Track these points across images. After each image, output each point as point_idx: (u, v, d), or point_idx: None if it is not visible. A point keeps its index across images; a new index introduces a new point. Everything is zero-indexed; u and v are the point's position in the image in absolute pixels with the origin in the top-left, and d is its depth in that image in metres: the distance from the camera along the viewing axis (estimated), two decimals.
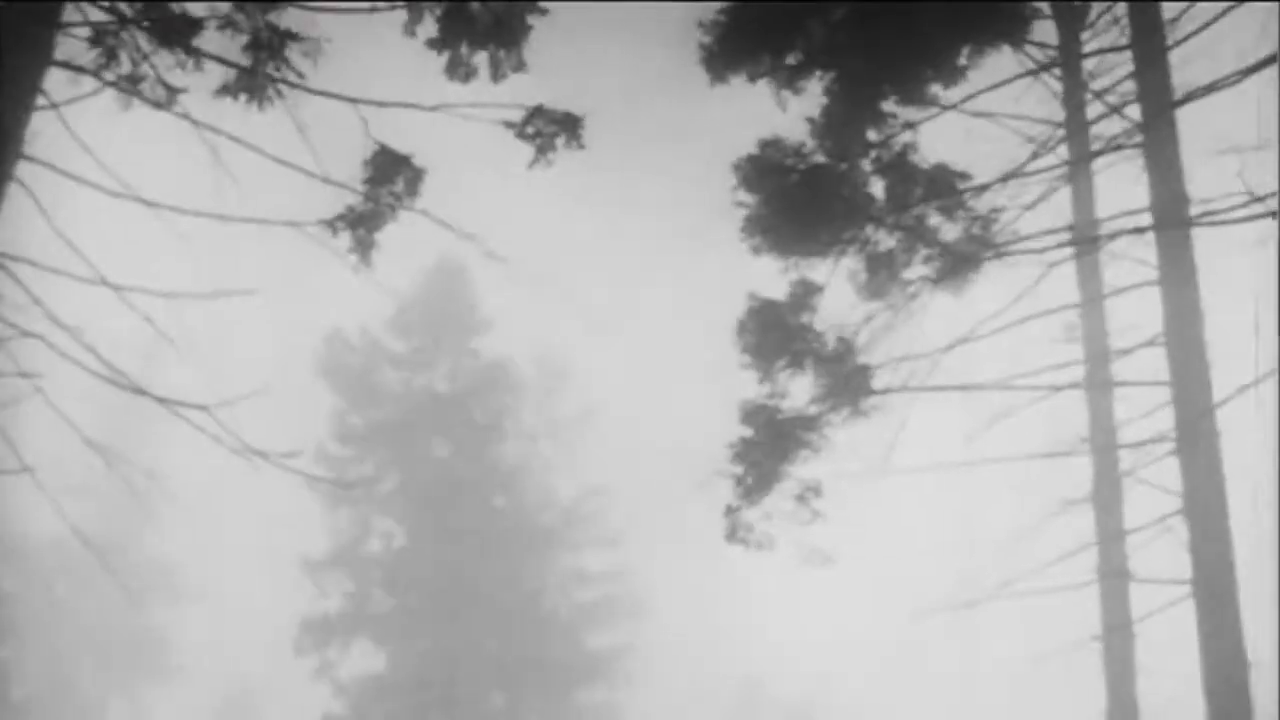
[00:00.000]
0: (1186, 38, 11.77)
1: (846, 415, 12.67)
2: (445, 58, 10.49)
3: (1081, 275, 13.14)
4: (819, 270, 13.03)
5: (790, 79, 12.97)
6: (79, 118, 8.72)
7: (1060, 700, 14.41)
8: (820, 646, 42.05)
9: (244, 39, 9.28)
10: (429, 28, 10.48)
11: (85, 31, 8.86)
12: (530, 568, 37.55)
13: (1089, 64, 13.43)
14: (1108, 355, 12.93)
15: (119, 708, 41.51)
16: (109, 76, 8.95)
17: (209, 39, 9.21)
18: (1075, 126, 13.24)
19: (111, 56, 8.93)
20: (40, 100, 8.65)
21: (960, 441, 12.92)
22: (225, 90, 9.48)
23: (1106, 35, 13.40)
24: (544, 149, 10.13)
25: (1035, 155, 13.25)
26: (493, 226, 10.07)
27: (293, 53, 9.36)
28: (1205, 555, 10.93)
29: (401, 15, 10.40)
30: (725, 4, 12.90)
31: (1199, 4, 11.81)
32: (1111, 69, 13.24)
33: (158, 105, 9.11)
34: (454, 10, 10.40)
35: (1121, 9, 12.92)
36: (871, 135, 13.01)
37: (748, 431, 12.77)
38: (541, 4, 10.52)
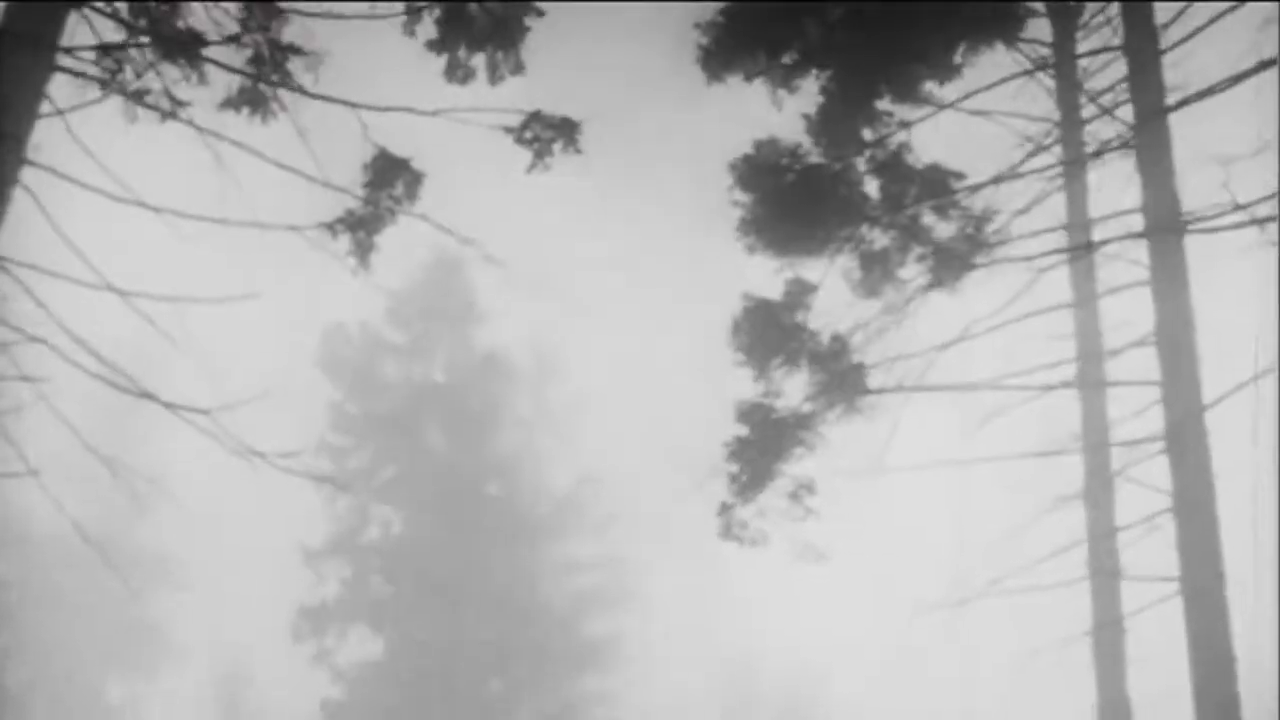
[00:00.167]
0: (1180, 42, 11.83)
1: (841, 413, 12.77)
2: (444, 60, 10.55)
3: (1075, 276, 13.20)
4: (814, 269, 13.13)
5: (786, 78, 13.04)
6: (83, 124, 8.79)
7: (1052, 696, 14.55)
8: (813, 640, 42.28)
9: (248, 53, 9.36)
10: (428, 29, 10.56)
11: (91, 40, 8.93)
12: (526, 555, 37.71)
13: (1083, 64, 13.47)
14: (1100, 355, 13.01)
15: (117, 694, 41.63)
16: (114, 85, 9.02)
17: (212, 51, 9.29)
18: (1069, 127, 13.30)
19: (118, 69, 9.01)
20: (45, 107, 8.72)
21: (954, 440, 13.03)
22: (228, 104, 9.58)
23: (1100, 35, 13.44)
24: (542, 154, 10.18)
25: (1031, 154, 13.34)
26: (491, 227, 10.14)
27: (295, 66, 9.45)
28: (1193, 553, 11.00)
29: (401, 17, 10.46)
30: (723, 4, 12.97)
31: (1194, 4, 11.86)
32: (1105, 70, 13.30)
33: (164, 116, 9.18)
34: (452, 11, 10.46)
35: (1114, 9, 12.94)
36: (867, 134, 13.09)
37: (743, 429, 12.87)
38: (539, 5, 10.58)
